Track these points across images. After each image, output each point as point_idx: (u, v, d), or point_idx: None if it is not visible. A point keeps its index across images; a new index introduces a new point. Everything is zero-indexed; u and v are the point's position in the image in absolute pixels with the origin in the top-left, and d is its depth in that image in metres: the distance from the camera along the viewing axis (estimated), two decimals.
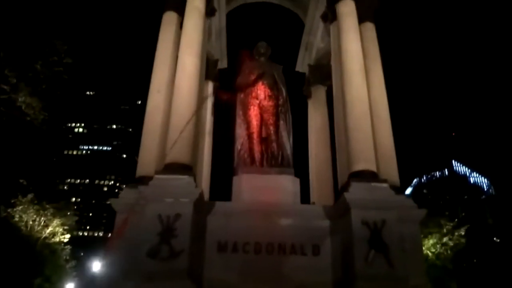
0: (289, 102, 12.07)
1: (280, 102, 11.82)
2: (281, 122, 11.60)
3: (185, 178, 8.86)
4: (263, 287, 8.75)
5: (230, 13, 15.06)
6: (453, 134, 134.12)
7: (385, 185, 9.17)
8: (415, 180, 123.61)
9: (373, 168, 9.42)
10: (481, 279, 29.53)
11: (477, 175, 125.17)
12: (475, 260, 30.93)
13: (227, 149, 12.20)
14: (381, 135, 10.30)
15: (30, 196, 27.06)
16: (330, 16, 12.02)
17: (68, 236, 30.56)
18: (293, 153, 11.49)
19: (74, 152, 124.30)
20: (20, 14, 14.77)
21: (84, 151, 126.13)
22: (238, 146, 11.50)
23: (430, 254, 27.55)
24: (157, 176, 8.92)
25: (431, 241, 28.11)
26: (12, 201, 26.51)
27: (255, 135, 11.37)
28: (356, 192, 8.87)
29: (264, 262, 9.08)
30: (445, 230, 28.60)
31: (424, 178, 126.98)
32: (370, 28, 11.60)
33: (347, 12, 11.26)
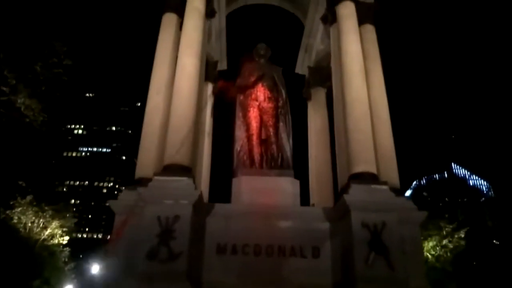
0: (288, 104, 12.06)
1: (280, 104, 11.81)
2: (281, 124, 11.59)
3: (184, 180, 8.84)
4: None
5: (230, 15, 15.07)
6: (453, 136, 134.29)
7: (385, 187, 9.14)
8: (414, 182, 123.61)
9: (373, 170, 9.39)
10: (480, 281, 29.43)
11: (477, 177, 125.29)
12: (474, 263, 30.83)
13: (226, 151, 12.19)
14: (381, 136, 10.27)
15: (29, 197, 26.98)
16: (330, 18, 12.02)
17: (67, 238, 30.48)
18: (293, 155, 11.47)
19: (74, 154, 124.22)
20: (19, 15, 14.74)
21: (83, 153, 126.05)
22: (237, 147, 11.48)
23: (429, 256, 27.48)
24: (156, 177, 8.89)
25: (430, 244, 28.04)
26: (11, 202, 26.43)
27: (254, 137, 11.36)
28: (356, 194, 8.83)
29: (264, 264, 9.04)
30: (444, 233, 28.53)
31: (424, 180, 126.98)
32: (370, 30, 11.59)
33: (347, 14, 11.26)
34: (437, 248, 28.25)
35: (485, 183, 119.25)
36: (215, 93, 14.02)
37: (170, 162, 9.01)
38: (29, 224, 27.14)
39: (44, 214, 27.78)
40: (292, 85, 14.05)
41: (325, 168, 12.89)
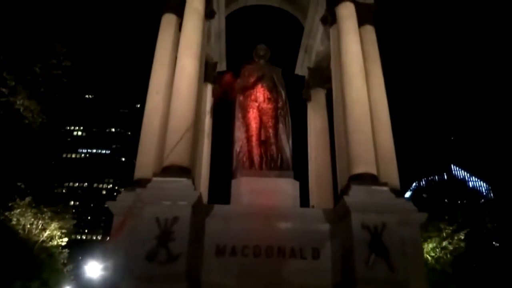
0: (288, 105, 12.03)
1: (280, 105, 11.78)
2: (280, 125, 11.56)
3: (183, 181, 8.79)
4: None
5: (229, 16, 15.07)
6: (452, 138, 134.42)
7: (385, 188, 9.11)
8: (414, 184, 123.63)
9: (373, 171, 9.35)
10: (480, 283, 29.41)
11: (476, 179, 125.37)
12: (474, 265, 30.81)
13: (226, 152, 12.15)
14: (381, 137, 10.24)
15: (28, 199, 26.94)
16: (330, 19, 12.01)
17: (66, 239, 30.37)
18: (293, 156, 11.43)
19: (73, 155, 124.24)
20: (19, 16, 14.72)
21: (82, 155, 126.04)
22: (237, 148, 11.44)
23: (429, 258, 27.44)
24: (155, 178, 8.84)
25: (430, 245, 28.00)
26: (10, 204, 26.39)
27: (254, 138, 11.32)
28: (356, 195, 8.79)
29: (263, 265, 8.99)
30: (444, 234, 28.49)
31: (423, 182, 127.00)
32: (370, 31, 11.57)
33: (347, 14, 11.24)
34: (437, 249, 28.21)
35: (484, 185, 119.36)
36: (215, 93, 13.98)
37: (169, 163, 8.96)
38: (28, 226, 27.07)
39: (43, 215, 27.72)
40: (292, 86, 14.04)
41: (325, 169, 12.85)
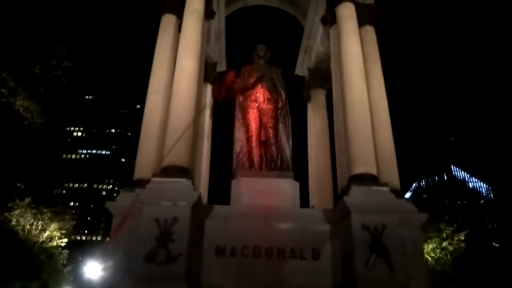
0: (288, 106, 12.01)
1: (279, 105, 11.77)
2: (280, 125, 11.55)
3: (183, 181, 8.76)
4: None
5: (229, 16, 15.05)
6: (452, 139, 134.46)
7: (385, 188, 9.08)
8: (414, 184, 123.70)
9: (373, 171, 9.33)
10: (481, 283, 29.38)
11: (476, 180, 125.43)
12: (474, 265, 30.79)
13: (226, 152, 12.13)
14: (381, 137, 10.21)
15: (27, 200, 26.88)
16: (330, 19, 11.99)
17: (65, 240, 30.33)
18: (293, 157, 11.41)
19: (73, 156, 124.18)
20: (19, 17, 14.71)
21: (82, 155, 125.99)
22: (237, 149, 11.43)
23: (429, 259, 27.41)
24: (154, 179, 8.81)
25: (430, 246, 27.98)
26: (9, 205, 26.33)
27: (254, 138, 11.31)
28: (356, 195, 8.77)
29: (263, 266, 8.97)
30: (444, 235, 28.47)
31: (423, 182, 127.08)
32: (370, 31, 11.55)
33: (347, 15, 11.22)
34: (437, 250, 28.18)
35: (484, 185, 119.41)
36: (215, 94, 13.95)
37: (168, 163, 8.93)
38: (28, 226, 27.02)
39: (43, 216, 27.67)
40: (292, 86, 14.03)
41: (325, 170, 12.83)
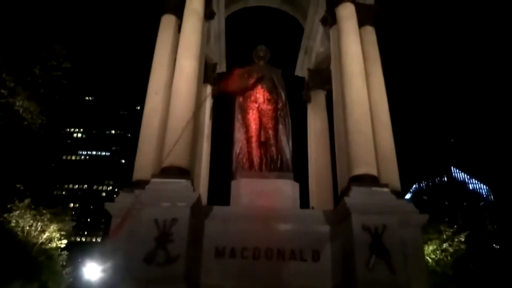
0: (288, 106, 11.98)
1: (279, 106, 11.74)
2: (280, 126, 11.51)
3: (182, 182, 8.72)
4: None
5: (229, 17, 15.03)
6: (452, 140, 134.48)
7: (386, 189, 9.03)
8: (414, 186, 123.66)
9: (373, 172, 9.28)
10: (481, 285, 29.35)
11: (476, 181, 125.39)
12: (474, 267, 30.77)
13: (225, 153, 12.10)
14: (382, 138, 10.16)
15: (27, 201, 26.90)
16: (330, 20, 11.96)
17: (65, 241, 30.40)
18: (293, 158, 11.36)
19: (73, 157, 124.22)
20: (18, 18, 14.69)
21: (82, 156, 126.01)
22: (236, 150, 11.39)
23: (430, 260, 27.40)
24: (153, 179, 8.76)
25: (431, 247, 27.98)
26: (9, 206, 26.35)
27: (254, 139, 11.27)
28: (357, 196, 8.71)
29: (263, 267, 8.91)
30: (445, 236, 28.49)
31: (423, 184, 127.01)
32: (370, 32, 11.51)
33: (347, 15, 11.18)
34: (437, 252, 28.20)
35: (484, 187, 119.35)
36: (214, 94, 13.93)
37: (168, 164, 8.88)
38: (27, 228, 27.04)
39: (42, 217, 27.70)
40: (292, 87, 14.00)
41: (325, 171, 12.79)
